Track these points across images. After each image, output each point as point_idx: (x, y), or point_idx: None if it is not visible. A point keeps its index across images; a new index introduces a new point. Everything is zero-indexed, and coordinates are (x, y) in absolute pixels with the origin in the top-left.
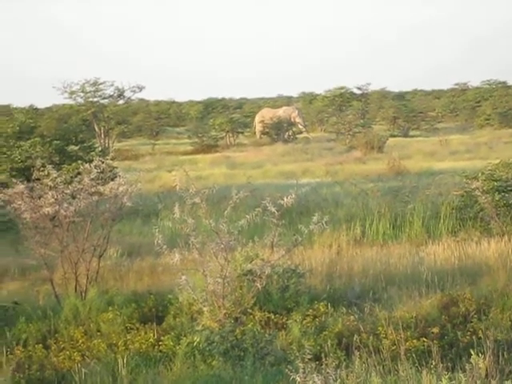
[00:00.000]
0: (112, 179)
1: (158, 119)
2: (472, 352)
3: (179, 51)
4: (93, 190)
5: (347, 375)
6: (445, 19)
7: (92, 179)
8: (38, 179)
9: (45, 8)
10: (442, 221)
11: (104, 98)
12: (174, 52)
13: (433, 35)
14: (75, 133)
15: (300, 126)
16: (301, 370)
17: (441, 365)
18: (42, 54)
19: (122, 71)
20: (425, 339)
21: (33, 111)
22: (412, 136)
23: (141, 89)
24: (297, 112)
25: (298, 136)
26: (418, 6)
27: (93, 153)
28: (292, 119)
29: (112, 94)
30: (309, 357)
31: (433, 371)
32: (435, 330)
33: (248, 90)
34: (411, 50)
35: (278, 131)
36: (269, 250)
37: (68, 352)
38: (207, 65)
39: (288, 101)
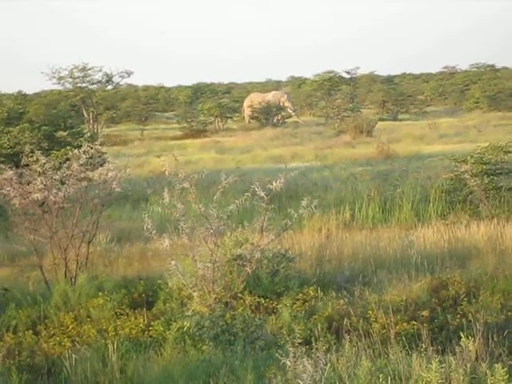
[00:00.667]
0: (101, 165)
1: (147, 104)
2: (462, 335)
3: (167, 36)
4: (82, 175)
5: (337, 359)
6: (433, 3)
7: (81, 165)
8: (27, 165)
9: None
10: (431, 204)
11: (92, 84)
12: (163, 37)
13: (421, 19)
14: (64, 118)
15: (289, 111)
16: (291, 355)
17: (431, 348)
18: (30, 38)
19: (111, 56)
20: (415, 322)
21: (21, 97)
22: (401, 120)
23: (129, 74)
24: (286, 96)
25: (286, 120)
26: None
27: (81, 138)
28: (281, 103)
29: (100, 79)
30: (299, 341)
31: (423, 354)
32: (425, 313)
33: (237, 75)
34: (399, 33)
35: (267, 116)
36: (258, 235)
37: (58, 338)
38: (196, 49)
39: (277, 85)
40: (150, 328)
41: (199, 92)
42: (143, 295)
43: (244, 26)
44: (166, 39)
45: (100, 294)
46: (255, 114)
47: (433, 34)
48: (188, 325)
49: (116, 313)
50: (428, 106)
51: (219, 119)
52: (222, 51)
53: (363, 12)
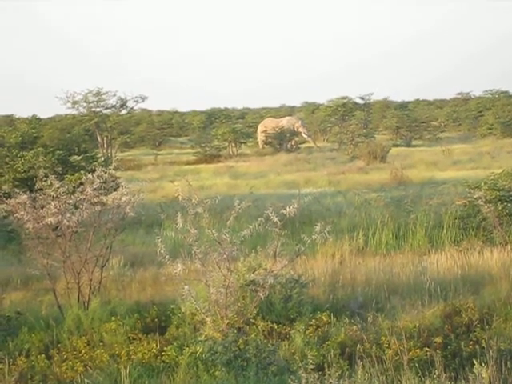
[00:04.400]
0: (115, 189)
1: (161, 129)
2: (475, 362)
3: (182, 61)
4: (95, 200)
5: None
6: (447, 29)
7: (95, 189)
8: (41, 189)
9: (49, 17)
10: (444, 230)
11: (107, 108)
12: (177, 62)
13: (435, 45)
14: (78, 143)
15: (304, 136)
16: (304, 381)
17: (444, 374)
18: (45, 64)
19: (125, 82)
20: (428, 349)
21: (35, 121)
22: (415, 145)
23: (143, 99)
24: (300, 122)
25: (300, 146)
26: (419, 17)
27: (95, 163)
28: (295, 129)
29: (115, 104)
30: (312, 367)
31: (436, 381)
32: (438, 339)
33: (251, 100)
34: (413, 59)
35: (281, 141)
36: (271, 260)
37: (71, 362)
38: (210, 75)
39: (291, 111)
40: (163, 353)
41: (213, 117)
42: (156, 320)
43: (258, 54)
44: (181, 64)
45: (113, 318)
46: (269, 140)
47: (447, 60)
48: (201, 350)
49: (129, 337)
50: (442, 132)
51: (233, 144)
52: (236, 76)
53: (376, 39)
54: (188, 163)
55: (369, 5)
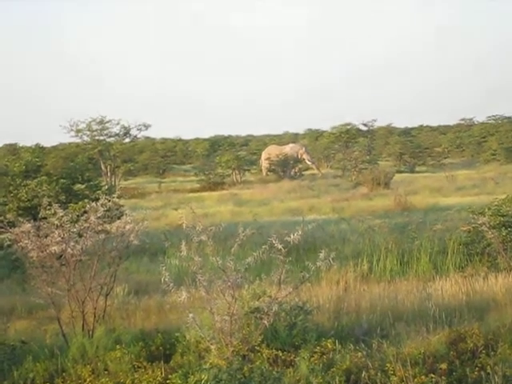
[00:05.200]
0: (118, 217)
1: (165, 157)
2: None
3: (185, 89)
4: (99, 228)
5: None
6: (449, 55)
7: (98, 217)
8: (45, 218)
9: (51, 44)
10: (449, 256)
11: (110, 137)
12: (180, 90)
13: (435, 70)
14: (81, 171)
15: (308, 163)
16: None
17: None
18: (48, 91)
19: (128, 109)
20: (433, 375)
21: (39, 150)
22: (418, 172)
23: (147, 127)
24: (304, 149)
25: (304, 173)
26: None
27: (99, 191)
28: (299, 156)
29: (118, 132)
30: None
31: None
32: (443, 366)
33: (254, 127)
34: (417, 85)
35: (285, 168)
36: (276, 287)
37: None
38: (213, 102)
39: (294, 137)
40: (168, 381)
41: (217, 145)
42: (161, 348)
43: (261, 82)
44: (183, 92)
45: (118, 346)
46: (273, 167)
47: (449, 87)
48: (206, 378)
49: (133, 366)
50: (445, 158)
51: (237, 172)
52: (240, 104)
53: (378, 64)
54: (192, 191)
55: (368, 30)
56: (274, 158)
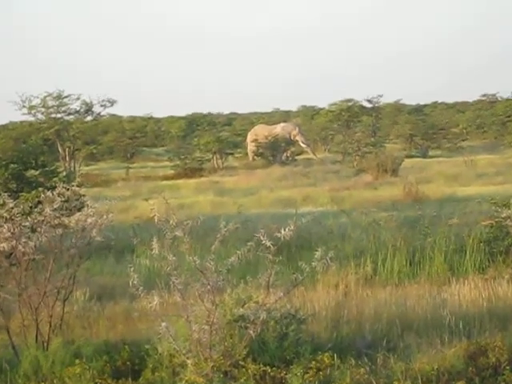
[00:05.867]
0: (79, 209)
1: (133, 138)
2: None
3: (157, 60)
4: (56, 222)
5: None
6: (470, 25)
7: (55, 209)
8: None
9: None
10: (467, 256)
11: (69, 114)
12: (151, 61)
13: (456, 41)
14: (35, 155)
15: (302, 145)
16: None
17: None
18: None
19: (91, 84)
20: None
21: None
22: (432, 156)
23: (112, 103)
24: (297, 129)
25: (297, 157)
26: (441, 14)
27: (56, 178)
28: (292, 137)
29: (78, 109)
30: None
31: None
32: (461, 383)
33: (239, 104)
34: (429, 57)
35: (275, 152)
36: (264, 292)
37: None
38: (191, 75)
39: (286, 116)
40: None
41: (194, 124)
42: (128, 363)
43: (248, 50)
44: (156, 63)
45: (77, 361)
46: (260, 150)
47: (469, 57)
48: None
49: (96, 383)
50: (464, 140)
51: (218, 156)
52: (222, 77)
53: (388, 35)
54: (165, 178)
55: None
56: (262, 140)
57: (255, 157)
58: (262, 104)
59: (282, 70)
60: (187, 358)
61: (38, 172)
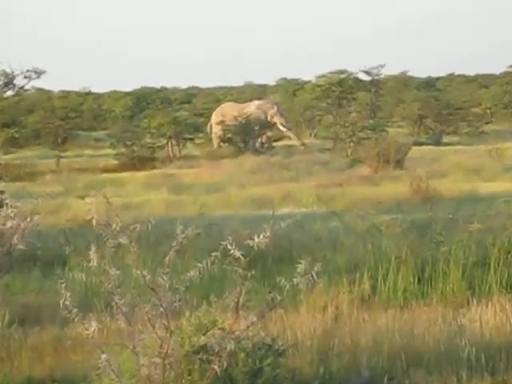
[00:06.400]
0: None
1: (66, 119)
2: None
3: (96, 20)
4: None
5: None
6: None
7: None
8: None
9: None
10: (491, 270)
11: None
12: (89, 22)
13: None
14: None
15: (282, 129)
16: None
17: None
18: None
19: (12, 48)
20: None
21: None
22: (447, 144)
23: (39, 74)
24: (275, 108)
25: (275, 144)
26: None
27: None
28: (269, 118)
29: None
30: None
31: None
32: None
33: (200, 76)
34: (446, 18)
35: (247, 137)
36: (232, 316)
37: None
38: (140, 39)
39: (261, 91)
40: None
41: (144, 101)
42: None
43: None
44: (96, 24)
45: None
46: (228, 135)
47: (489, 18)
48: None
49: None
50: (487, 123)
51: (174, 142)
52: (179, 43)
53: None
54: (107, 170)
55: None
56: (231, 122)
57: (221, 143)
58: (230, 76)
59: (254, 32)
60: None
61: None
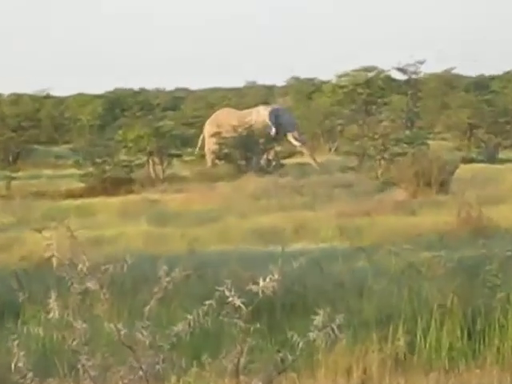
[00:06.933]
0: None
1: (19, 130)
2: None
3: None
4: None
5: None
6: None
7: None
8: None
9: None
10: None
11: None
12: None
13: None
14: None
15: (294, 142)
16: None
17: None
18: None
19: None
20: None
21: None
22: (504, 160)
23: None
24: (287, 116)
25: (284, 162)
26: None
27: None
28: (277, 129)
29: None
30: None
31: None
32: None
33: (191, 76)
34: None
35: (249, 152)
36: (231, 381)
37: None
38: (113, 28)
39: (266, 94)
40: None
41: (118, 107)
42: None
43: None
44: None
45: None
46: (225, 150)
47: None
48: None
49: None
50: None
51: (156, 159)
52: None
53: None
54: (71, 195)
55: None
56: (229, 134)
57: (217, 161)
58: (228, 75)
59: (256, 18)
60: None
61: None
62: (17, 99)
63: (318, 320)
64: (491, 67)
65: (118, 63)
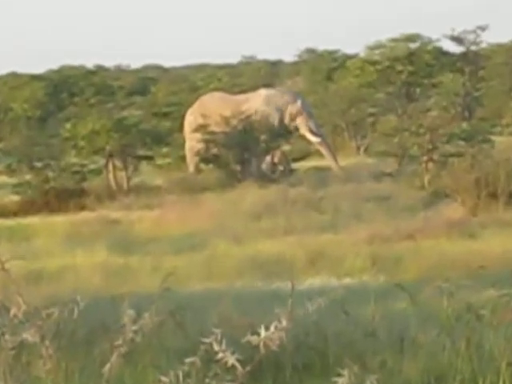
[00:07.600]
0: None
1: None
2: None
3: None
4: None
5: None
6: None
7: None
8: None
9: None
10: None
11: None
12: None
13: None
14: None
15: (310, 138)
16: None
17: None
18: None
19: None
20: None
21: None
22: None
23: None
24: (299, 102)
25: (295, 166)
26: None
27: None
28: (286, 120)
29: None
30: None
31: None
32: None
33: (165, 49)
34: None
35: (247, 153)
36: None
37: None
38: None
39: (271, 73)
40: None
41: (65, 91)
42: None
43: None
44: None
45: None
46: (214, 150)
47: None
48: None
49: None
50: None
51: (118, 163)
52: None
53: None
54: (0, 212)
55: None
56: (219, 127)
57: (202, 165)
58: (217, 48)
59: None
60: None
61: None
62: None
63: (343, 383)
64: None
65: (66, 30)
